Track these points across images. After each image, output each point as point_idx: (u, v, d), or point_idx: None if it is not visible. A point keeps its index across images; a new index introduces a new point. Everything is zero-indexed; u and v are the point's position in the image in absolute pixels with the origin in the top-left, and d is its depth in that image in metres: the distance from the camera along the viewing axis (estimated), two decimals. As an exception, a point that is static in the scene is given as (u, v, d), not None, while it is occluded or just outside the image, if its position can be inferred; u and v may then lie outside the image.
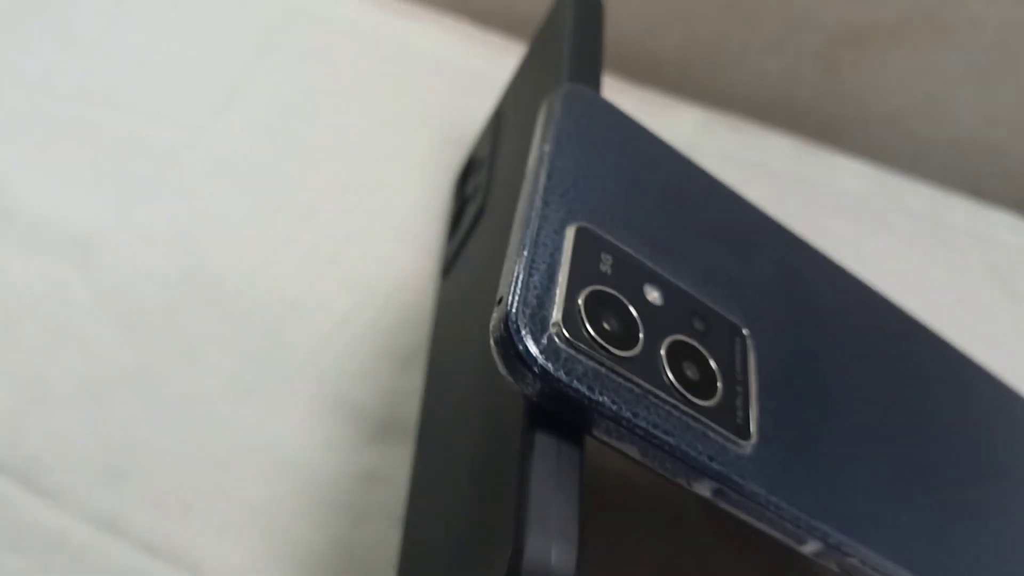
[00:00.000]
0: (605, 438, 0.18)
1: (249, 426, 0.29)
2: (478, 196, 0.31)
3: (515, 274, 0.18)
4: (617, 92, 0.27)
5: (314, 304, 0.32)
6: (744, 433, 0.19)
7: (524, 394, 0.17)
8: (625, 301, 0.19)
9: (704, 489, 0.18)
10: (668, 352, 0.19)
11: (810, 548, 0.20)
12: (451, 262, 0.31)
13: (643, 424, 0.17)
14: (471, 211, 0.31)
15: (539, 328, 0.17)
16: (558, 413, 0.18)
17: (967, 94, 0.41)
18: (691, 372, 0.19)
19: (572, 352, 0.17)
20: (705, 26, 0.43)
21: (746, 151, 0.41)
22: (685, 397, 0.18)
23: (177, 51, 0.40)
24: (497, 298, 0.18)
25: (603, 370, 0.17)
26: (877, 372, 0.24)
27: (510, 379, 0.17)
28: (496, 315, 0.17)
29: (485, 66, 0.43)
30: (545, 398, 0.17)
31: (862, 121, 0.43)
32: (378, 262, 0.34)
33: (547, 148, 0.21)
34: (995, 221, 0.40)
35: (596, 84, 0.26)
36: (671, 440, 0.18)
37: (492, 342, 0.17)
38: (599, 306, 0.18)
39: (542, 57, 0.30)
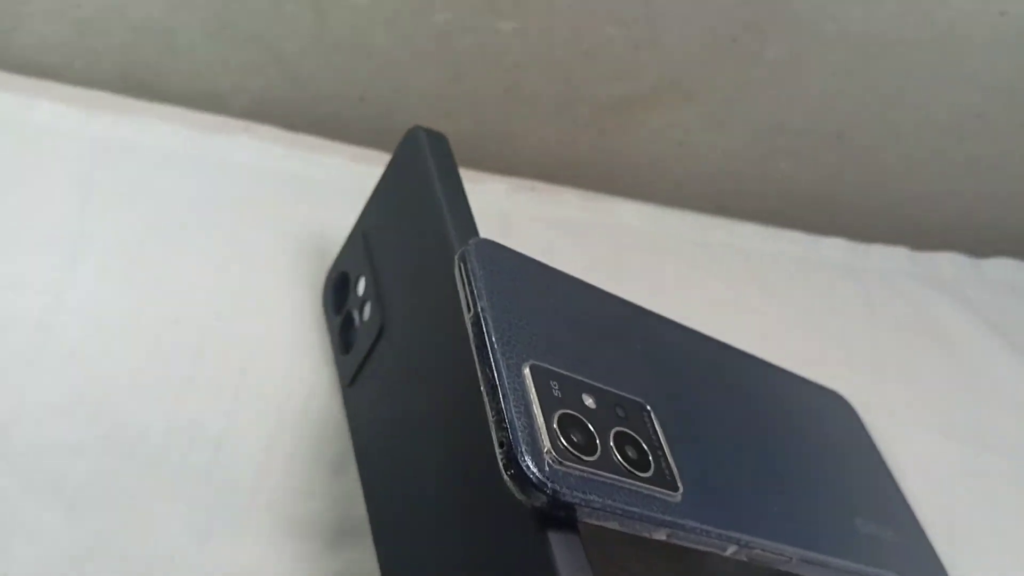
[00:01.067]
0: (592, 521, 0.24)
1: (219, 565, 0.32)
2: (372, 312, 0.35)
3: (508, 421, 0.23)
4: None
5: (237, 437, 0.35)
6: (674, 486, 0.26)
7: (533, 506, 0.23)
8: (581, 416, 0.25)
9: (660, 535, 0.26)
10: (615, 443, 0.25)
11: (729, 551, 0.27)
12: (355, 373, 0.36)
13: (619, 505, 0.24)
14: (368, 327, 0.35)
15: (539, 458, 0.23)
16: (557, 513, 0.24)
17: (707, 138, 0.51)
18: (631, 453, 0.26)
19: (563, 469, 0.23)
20: (492, 107, 0.49)
21: (547, 208, 0.49)
22: (634, 474, 0.25)
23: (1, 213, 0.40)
24: (498, 442, 0.23)
25: (584, 475, 0.24)
26: (730, 402, 0.32)
27: (525, 499, 0.23)
28: (504, 456, 0.23)
29: (303, 168, 0.47)
30: (550, 507, 0.23)
31: (631, 168, 0.52)
32: (278, 383, 0.37)
33: (483, 304, 0.26)
34: (748, 233, 0.50)
35: (471, 221, 0.32)
36: (636, 510, 0.24)
37: (508, 478, 0.23)
38: (566, 426, 0.24)
39: (405, 193, 0.35)
